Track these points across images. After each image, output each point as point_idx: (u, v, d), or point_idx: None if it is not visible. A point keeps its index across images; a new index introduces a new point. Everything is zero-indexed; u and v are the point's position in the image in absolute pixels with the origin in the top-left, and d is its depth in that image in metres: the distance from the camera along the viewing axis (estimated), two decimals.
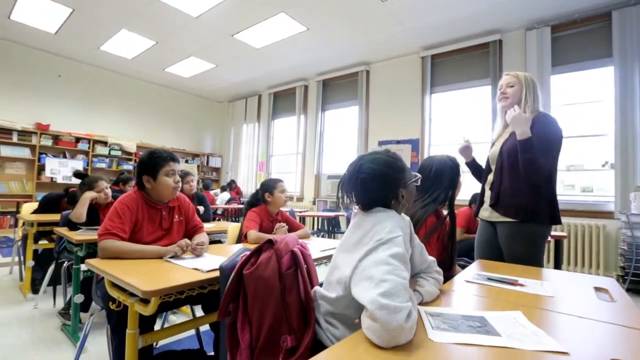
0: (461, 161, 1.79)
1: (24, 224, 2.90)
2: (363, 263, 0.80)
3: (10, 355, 1.85)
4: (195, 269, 1.27)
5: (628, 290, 3.29)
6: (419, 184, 1.04)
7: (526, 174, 1.61)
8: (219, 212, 6.03)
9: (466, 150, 1.97)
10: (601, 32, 4.05)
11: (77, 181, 2.55)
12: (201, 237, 1.69)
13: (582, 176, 4.27)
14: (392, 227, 0.85)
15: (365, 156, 0.99)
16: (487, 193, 1.84)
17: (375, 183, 0.95)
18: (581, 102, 4.24)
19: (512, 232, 1.69)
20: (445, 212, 1.50)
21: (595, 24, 4.08)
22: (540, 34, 4.31)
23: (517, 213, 1.66)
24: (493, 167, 1.82)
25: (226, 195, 6.77)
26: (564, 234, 3.05)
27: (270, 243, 0.94)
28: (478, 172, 2.00)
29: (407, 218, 1.02)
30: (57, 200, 3.04)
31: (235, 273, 0.93)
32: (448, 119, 5.34)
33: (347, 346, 0.67)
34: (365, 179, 0.95)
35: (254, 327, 0.90)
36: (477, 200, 3.36)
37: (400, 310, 0.66)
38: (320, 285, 1.00)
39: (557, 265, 3.23)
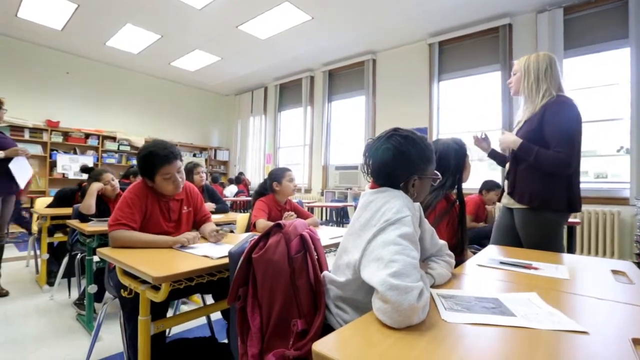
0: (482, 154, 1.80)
1: (38, 218, 2.95)
2: (372, 245, 0.78)
3: (29, 344, 1.90)
4: (205, 256, 1.27)
5: None
6: (435, 184, 1.02)
7: (550, 171, 1.59)
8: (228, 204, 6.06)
9: (480, 142, 1.94)
10: (617, 12, 3.89)
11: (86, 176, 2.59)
12: (210, 226, 1.70)
13: (596, 162, 4.16)
14: (400, 207, 0.83)
15: (400, 129, 0.96)
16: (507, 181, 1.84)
17: (394, 158, 0.91)
18: (595, 85, 4.10)
19: (528, 219, 1.68)
20: (455, 196, 1.47)
21: (610, 3, 3.93)
22: (552, 16, 4.17)
23: (531, 200, 1.64)
24: (510, 156, 1.82)
25: (234, 188, 6.79)
26: (578, 220, 2.98)
27: (278, 227, 0.94)
28: (502, 161, 1.97)
29: (417, 203, 1.00)
30: (72, 194, 3.09)
31: (244, 257, 0.92)
32: (457, 107, 5.25)
33: (358, 327, 0.66)
34: (388, 148, 0.92)
35: (264, 311, 0.90)
36: (488, 187, 3.34)
37: (411, 290, 0.65)
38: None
39: (571, 253, 3.17)
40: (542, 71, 1.63)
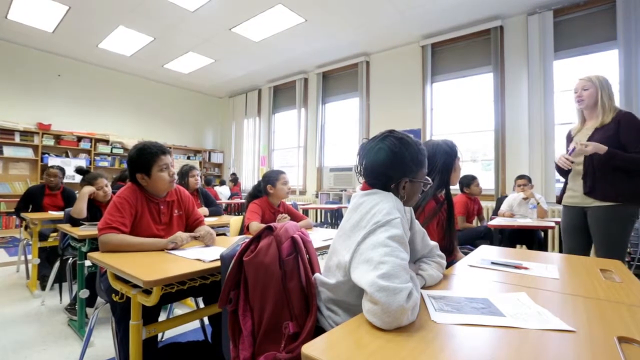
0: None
1: (27, 225, 2.92)
2: (361, 246, 0.78)
3: (20, 350, 1.87)
4: (197, 259, 1.26)
5: (634, 275, 3.26)
6: (426, 189, 1.03)
7: (634, 170, 1.80)
8: (222, 207, 6.04)
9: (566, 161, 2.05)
10: (605, 14, 3.96)
11: (78, 179, 2.57)
12: (204, 229, 1.68)
13: None
14: (390, 209, 0.83)
15: (395, 132, 0.97)
16: (577, 182, 2.00)
17: (387, 158, 0.92)
18: None
19: (610, 215, 1.86)
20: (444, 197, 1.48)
21: (599, 6, 4.00)
22: (542, 18, 4.24)
23: (617, 196, 1.84)
24: (579, 159, 1.98)
25: (226, 190, 6.75)
26: None
27: (269, 229, 0.93)
28: (564, 171, 2.12)
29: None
30: (41, 190, 3.23)
31: (236, 260, 0.92)
32: (450, 108, 5.29)
33: (348, 329, 0.66)
34: (381, 149, 0.93)
35: (256, 313, 0.89)
36: (467, 183, 3.43)
37: (400, 291, 0.66)
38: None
39: (561, 252, 3.20)
40: (611, 89, 1.93)
